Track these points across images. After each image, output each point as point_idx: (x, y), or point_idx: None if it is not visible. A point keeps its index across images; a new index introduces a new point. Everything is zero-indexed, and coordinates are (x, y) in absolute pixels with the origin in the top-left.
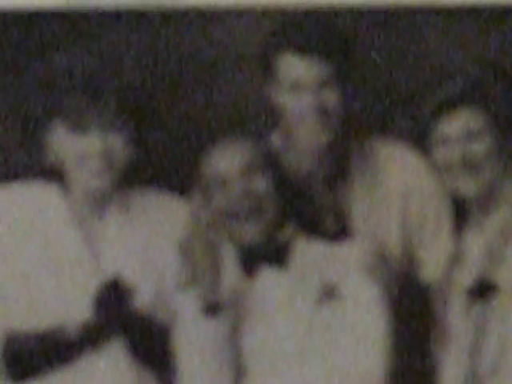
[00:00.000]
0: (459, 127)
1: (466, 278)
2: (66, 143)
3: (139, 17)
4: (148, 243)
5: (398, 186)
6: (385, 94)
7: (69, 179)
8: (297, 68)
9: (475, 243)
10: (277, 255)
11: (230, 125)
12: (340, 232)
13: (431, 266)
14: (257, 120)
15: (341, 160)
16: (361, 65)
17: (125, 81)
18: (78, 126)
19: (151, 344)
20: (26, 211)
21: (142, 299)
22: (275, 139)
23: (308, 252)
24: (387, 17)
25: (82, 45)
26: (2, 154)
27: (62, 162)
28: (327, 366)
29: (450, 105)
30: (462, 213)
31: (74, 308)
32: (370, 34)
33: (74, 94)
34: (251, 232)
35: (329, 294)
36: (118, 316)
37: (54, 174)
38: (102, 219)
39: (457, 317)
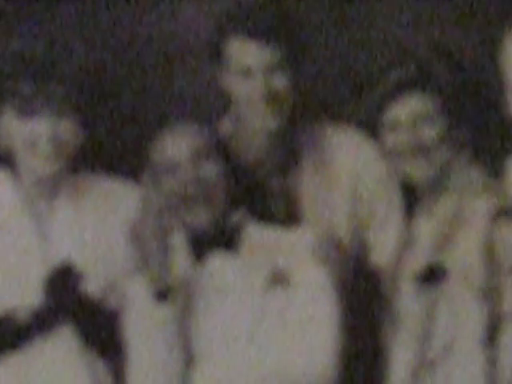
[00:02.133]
0: (409, 112)
1: (416, 262)
2: (15, 128)
3: (88, 1)
4: (98, 228)
5: (349, 172)
6: (335, 79)
7: (18, 165)
8: (246, 53)
9: (425, 228)
10: (227, 241)
11: (180, 110)
12: (290, 217)
13: (381, 250)
14: (207, 105)
15: (291, 145)
16: (311, 50)
17: (74, 66)
18: (27, 111)
19: (101, 329)
20: None
21: (92, 284)
22: (225, 125)
23: (258, 237)
24: (338, 1)
25: (31, 29)
26: None
27: (11, 148)
28: (277, 351)
29: (400, 90)
30: (412, 198)
31: (24, 293)
32: (321, 19)
33: (23, 79)
34: (201, 217)
35: (279, 279)
36: (68, 301)
37: (4, 160)
38: (52, 205)
39: (407, 301)
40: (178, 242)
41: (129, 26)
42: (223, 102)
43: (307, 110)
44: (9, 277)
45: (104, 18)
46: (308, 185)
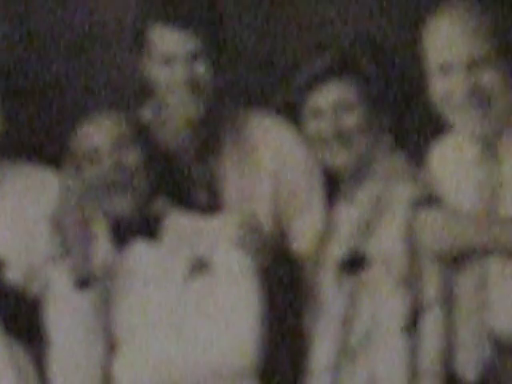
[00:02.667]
0: (331, 100)
1: (338, 250)
2: None
3: None
4: (19, 216)
5: (270, 159)
6: (257, 66)
7: None
8: (168, 40)
9: (347, 216)
10: (148, 228)
11: (101, 98)
12: (212, 205)
13: (303, 237)
14: (128, 93)
15: (213, 133)
16: (233, 37)
17: None
18: None
19: (23, 317)
20: None
21: (13, 272)
22: (147, 112)
23: (180, 225)
24: None
25: None
26: None
27: None
28: (199, 338)
29: (321, 77)
30: (334, 185)
31: None
32: (244, 6)
33: None
34: (122, 205)
35: (200, 266)
36: None
37: None
38: None
39: (329, 289)
40: (100, 229)
41: (50, 14)
42: (145, 90)
43: (229, 97)
44: None
45: (23, 7)
46: (230, 172)
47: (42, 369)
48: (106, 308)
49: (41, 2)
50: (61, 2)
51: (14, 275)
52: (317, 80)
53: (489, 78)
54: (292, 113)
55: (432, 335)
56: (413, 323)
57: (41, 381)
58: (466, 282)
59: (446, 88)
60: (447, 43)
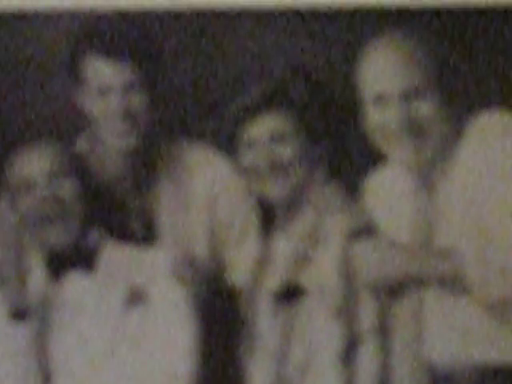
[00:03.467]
0: (265, 131)
1: (273, 281)
2: None
3: None
4: None
5: (206, 190)
6: (193, 97)
7: None
8: (103, 71)
9: (282, 246)
10: (84, 259)
11: (36, 128)
12: (147, 236)
13: (239, 269)
14: (64, 124)
15: (148, 164)
16: (168, 68)
17: None
18: None
19: None
20: None
21: None
22: (82, 143)
23: (115, 256)
24: (195, 20)
25: None
26: None
27: None
28: (134, 370)
29: (255, 108)
30: (269, 216)
31: None
32: (178, 37)
33: None
34: (57, 236)
35: (136, 298)
36: None
37: None
38: None
39: (264, 320)
40: (35, 261)
41: None
42: (81, 120)
43: (164, 128)
44: None
45: None
46: (165, 203)
47: None
48: (41, 340)
49: None
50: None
51: None
52: (251, 111)
53: (423, 108)
54: (227, 144)
55: (368, 366)
56: (348, 354)
57: None
58: (401, 313)
59: (380, 119)
60: (382, 74)
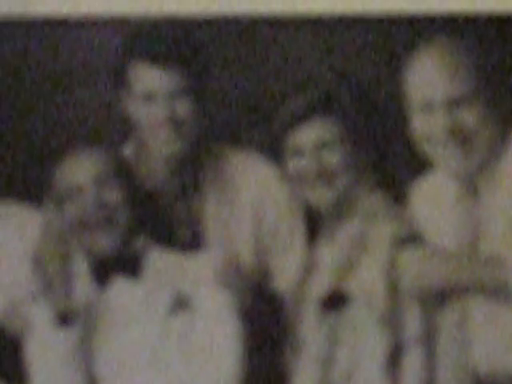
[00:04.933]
0: (312, 138)
1: (318, 288)
2: None
3: None
4: (0, 252)
5: (251, 197)
6: (239, 104)
7: None
8: (149, 78)
9: (328, 253)
10: (130, 265)
11: (83, 135)
12: (193, 243)
13: (284, 276)
14: (110, 130)
15: (194, 171)
16: (215, 75)
17: None
18: None
19: (4, 354)
20: None
21: None
22: (128, 149)
23: (161, 262)
24: (242, 27)
25: None
26: None
27: None
28: (179, 376)
29: (302, 115)
30: (314, 224)
31: None
32: (225, 44)
33: None
34: (104, 242)
35: (181, 304)
36: None
37: None
38: None
39: (309, 327)
40: (81, 266)
41: (32, 51)
42: (127, 127)
43: (211, 135)
44: None
45: (3, 43)
46: (211, 210)
47: None
48: (86, 345)
49: (20, 40)
50: (44, 41)
51: None
52: (298, 119)
53: (469, 115)
54: (273, 151)
55: (412, 373)
56: (393, 362)
57: None
58: (446, 321)
59: (427, 126)
60: (429, 81)
